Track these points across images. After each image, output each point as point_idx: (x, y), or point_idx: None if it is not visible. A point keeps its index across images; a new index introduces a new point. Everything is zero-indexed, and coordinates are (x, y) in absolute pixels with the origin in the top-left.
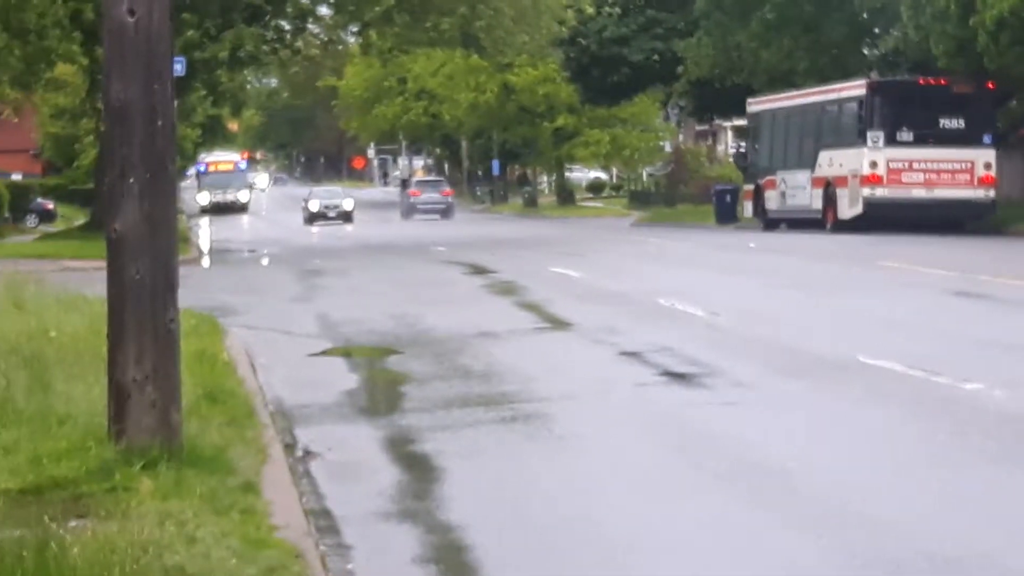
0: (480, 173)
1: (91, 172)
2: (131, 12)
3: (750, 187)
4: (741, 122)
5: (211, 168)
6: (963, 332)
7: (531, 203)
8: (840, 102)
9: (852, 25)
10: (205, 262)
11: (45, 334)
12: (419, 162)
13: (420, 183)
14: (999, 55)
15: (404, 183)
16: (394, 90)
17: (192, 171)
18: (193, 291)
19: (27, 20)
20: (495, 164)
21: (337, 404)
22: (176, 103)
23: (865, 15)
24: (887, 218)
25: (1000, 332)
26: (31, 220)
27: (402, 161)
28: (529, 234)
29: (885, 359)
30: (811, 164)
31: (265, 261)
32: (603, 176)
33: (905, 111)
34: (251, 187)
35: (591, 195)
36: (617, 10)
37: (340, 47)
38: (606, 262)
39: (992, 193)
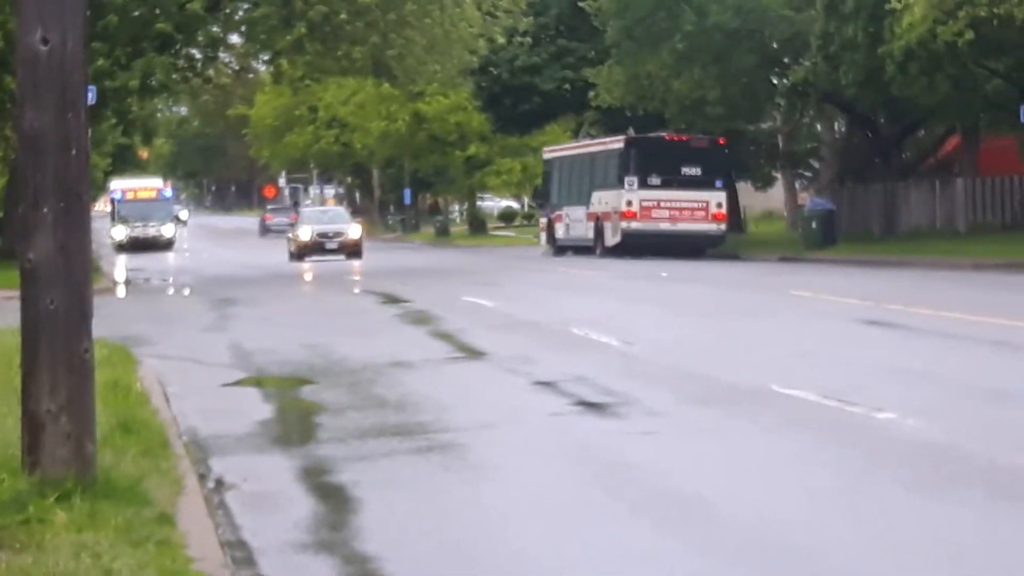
0: (392, 202)
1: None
2: (44, 41)
3: (544, 220)
4: None
5: (129, 196)
6: (875, 360)
7: (443, 232)
8: (607, 153)
9: (762, 55)
10: (119, 292)
11: None
12: (330, 190)
13: (272, 210)
14: (907, 84)
15: None
16: (305, 118)
17: (102, 201)
18: (105, 321)
19: None
20: (407, 193)
21: (251, 434)
22: (87, 133)
23: (775, 45)
24: (641, 246)
25: (911, 361)
26: None
27: (313, 190)
28: (441, 263)
29: (798, 388)
30: (586, 202)
31: (186, 291)
32: (515, 205)
33: (655, 161)
34: (176, 220)
35: (503, 224)
36: (528, 40)
37: (251, 75)
38: (519, 291)
39: (723, 227)
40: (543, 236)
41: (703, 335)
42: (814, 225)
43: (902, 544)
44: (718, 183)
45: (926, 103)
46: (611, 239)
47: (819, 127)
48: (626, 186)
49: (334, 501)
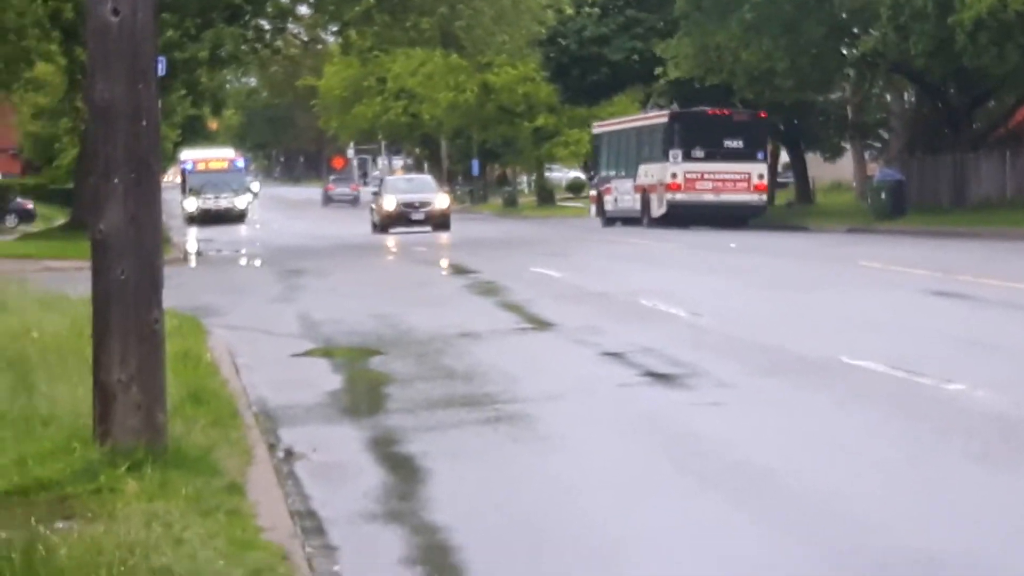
0: (460, 173)
1: (71, 172)
2: (115, 12)
3: (594, 192)
4: None
5: (200, 167)
6: (944, 332)
7: (511, 203)
8: (652, 127)
9: (831, 25)
10: (189, 262)
11: (27, 335)
12: (399, 162)
13: (335, 180)
14: (977, 55)
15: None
16: (373, 89)
17: (172, 173)
18: (175, 291)
19: (6, 20)
20: (475, 164)
21: (320, 405)
22: (159, 103)
23: (844, 15)
24: (685, 216)
25: (981, 332)
26: (10, 220)
27: (382, 161)
28: (509, 234)
29: (867, 359)
30: (633, 175)
31: (255, 262)
32: (582, 176)
33: (698, 135)
34: (250, 191)
35: (571, 195)
36: (597, 10)
37: (320, 47)
38: (587, 262)
39: (764, 197)
40: (593, 208)
41: (771, 306)
42: (883, 196)
43: (970, 516)
44: (759, 155)
45: (996, 73)
46: (657, 210)
47: (888, 98)
48: (671, 159)
49: (403, 472)
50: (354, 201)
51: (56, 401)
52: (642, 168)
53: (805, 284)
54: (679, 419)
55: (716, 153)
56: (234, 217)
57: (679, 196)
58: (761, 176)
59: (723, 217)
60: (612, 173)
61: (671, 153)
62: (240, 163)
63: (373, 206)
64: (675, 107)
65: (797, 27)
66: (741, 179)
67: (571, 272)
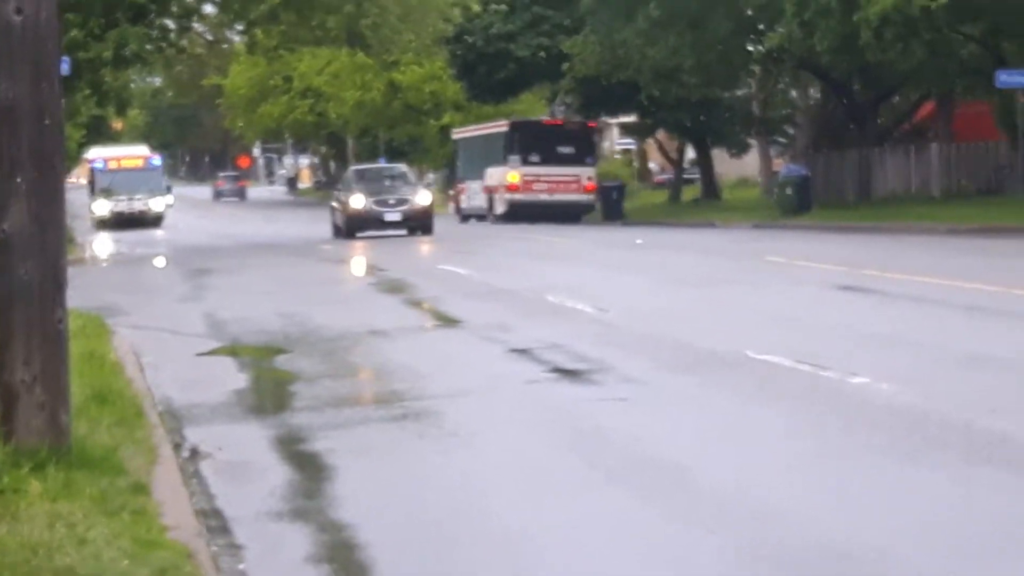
0: None
1: None
2: (18, 11)
3: (452, 192)
4: (629, 119)
5: (112, 166)
6: (849, 326)
7: None
8: (496, 135)
9: (737, 22)
10: (93, 262)
11: None
12: (305, 160)
13: (224, 177)
14: (882, 51)
15: (291, 182)
16: (279, 88)
17: (78, 173)
18: (80, 291)
19: None
20: (382, 162)
21: (226, 403)
22: (62, 102)
23: (750, 12)
24: (524, 214)
25: (885, 326)
26: None
27: (288, 160)
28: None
29: (773, 354)
30: (482, 177)
31: (161, 262)
32: None
33: (534, 142)
34: (168, 191)
35: None
36: (504, 7)
37: (225, 46)
38: (494, 259)
39: (592, 197)
40: (451, 206)
41: (678, 302)
42: (789, 191)
43: (876, 508)
44: (588, 160)
45: (901, 69)
46: (500, 208)
47: (794, 93)
48: (510, 163)
49: (309, 469)
50: (242, 196)
51: None
52: (488, 171)
53: (711, 280)
54: (587, 415)
55: (550, 158)
56: (150, 221)
57: (518, 196)
58: (590, 178)
59: (558, 215)
60: (466, 175)
61: (510, 158)
62: (156, 161)
63: (335, 204)
64: (514, 117)
65: (703, 24)
66: (573, 181)
67: (478, 269)
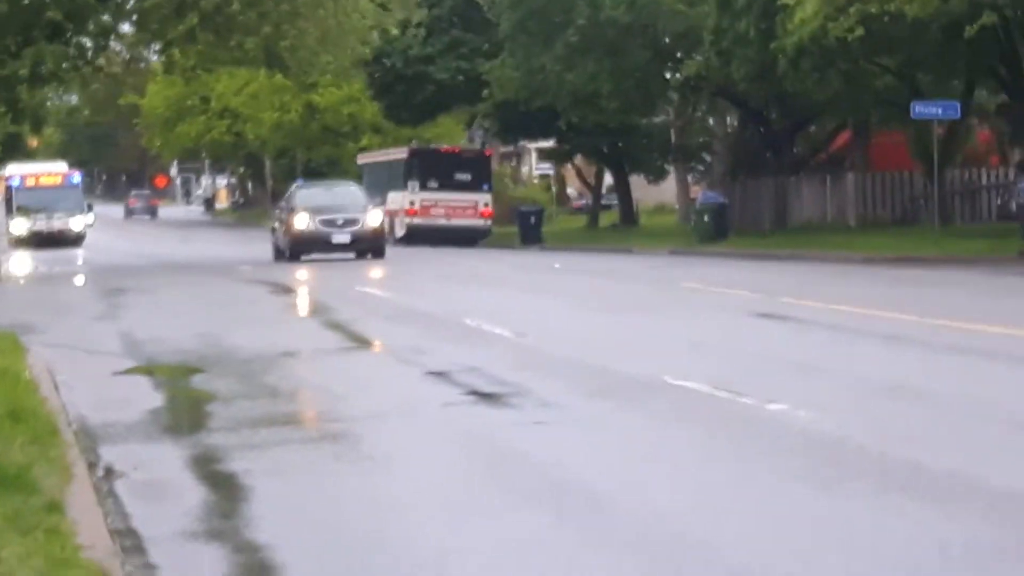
0: (284, 192)
1: None
2: None
3: None
4: (547, 143)
5: (30, 183)
6: (766, 353)
7: None
8: (396, 162)
9: (655, 49)
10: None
11: None
12: (222, 180)
13: (135, 195)
14: (799, 80)
15: (208, 202)
16: (197, 108)
17: None
18: None
19: None
20: (299, 182)
21: (142, 423)
22: None
23: (667, 39)
24: (423, 237)
25: (801, 353)
26: None
27: (205, 180)
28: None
29: (691, 380)
30: (384, 201)
31: (77, 280)
32: None
33: (433, 168)
34: (88, 209)
35: None
36: (423, 30)
37: (143, 64)
38: (412, 282)
39: (489, 222)
40: None
41: (595, 326)
42: (706, 219)
43: (792, 535)
44: (484, 187)
45: (817, 98)
46: (399, 232)
47: (711, 121)
48: (409, 189)
49: (225, 490)
50: (153, 214)
51: None
52: (390, 196)
53: (629, 305)
54: (504, 438)
55: (448, 184)
56: (70, 240)
57: (416, 220)
58: (486, 204)
59: (455, 239)
60: (371, 198)
61: (409, 184)
62: (76, 179)
63: (276, 225)
64: (414, 144)
65: (621, 50)
66: (469, 206)
67: (396, 292)
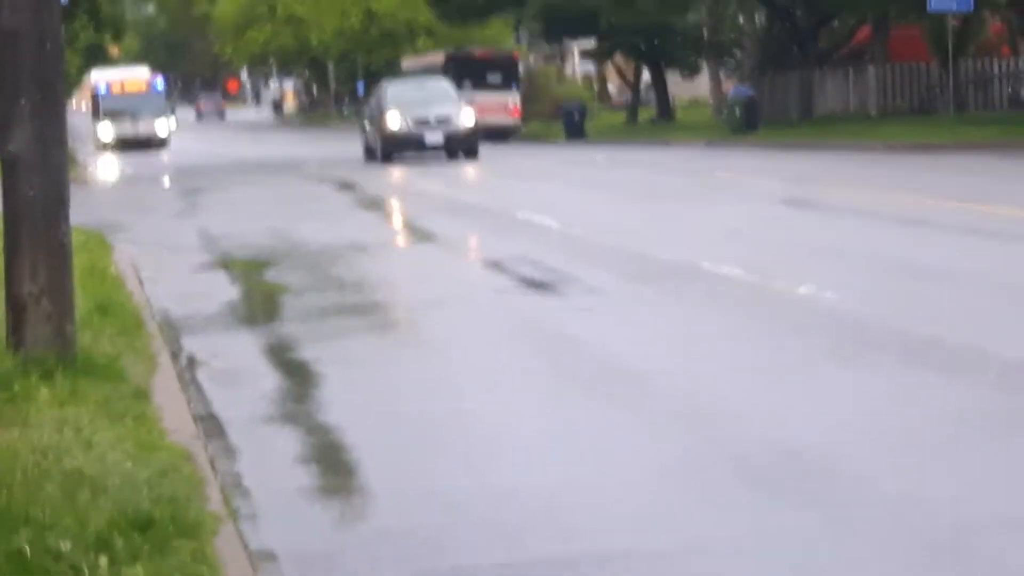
0: (346, 94)
1: None
2: None
3: None
4: (588, 44)
5: (115, 89)
6: (795, 238)
7: None
8: (435, 65)
9: None
10: (94, 181)
11: None
12: (289, 84)
13: (204, 98)
14: None
15: (276, 105)
16: (264, 16)
17: (79, 98)
18: (81, 209)
19: None
20: (360, 85)
21: (219, 314)
22: (61, 28)
23: None
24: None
25: (826, 238)
26: None
27: (273, 83)
28: None
29: (725, 265)
30: None
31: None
32: None
33: (467, 71)
34: (172, 114)
35: None
36: None
37: None
38: (465, 177)
39: (518, 120)
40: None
41: (636, 216)
42: (737, 112)
43: (822, 408)
44: (513, 86)
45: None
46: None
47: (741, 19)
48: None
49: (297, 376)
50: (221, 116)
51: None
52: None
53: (667, 195)
54: (552, 323)
55: (480, 85)
56: (155, 144)
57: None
58: (515, 103)
59: (488, 135)
60: (370, 108)
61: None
62: (159, 84)
63: (366, 124)
64: (450, 50)
65: None
66: (500, 106)
67: (451, 187)
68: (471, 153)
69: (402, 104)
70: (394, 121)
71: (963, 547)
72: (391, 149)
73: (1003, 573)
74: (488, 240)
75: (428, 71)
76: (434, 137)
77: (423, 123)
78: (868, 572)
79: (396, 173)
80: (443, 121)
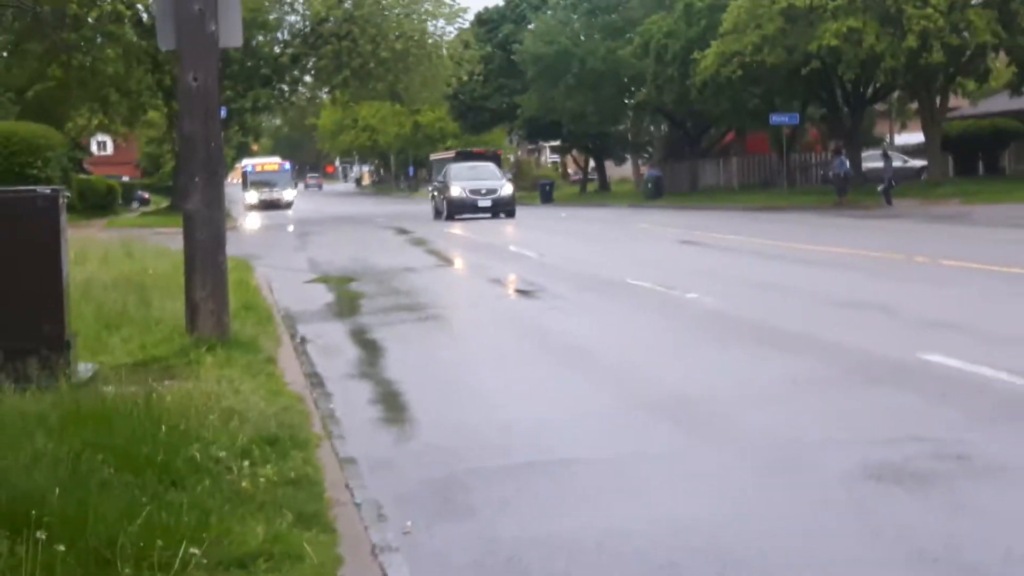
0: (402, 175)
1: (171, 175)
2: (195, 79)
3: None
4: (555, 143)
5: (258, 169)
6: (686, 264)
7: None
8: (448, 158)
9: (619, 86)
10: (241, 230)
11: (146, 272)
12: (366, 168)
13: (309, 176)
14: (703, 102)
15: (357, 181)
16: (351, 125)
17: (233, 175)
18: (233, 245)
19: (131, 85)
20: (411, 169)
21: (321, 311)
22: (221, 134)
23: (626, 79)
24: (465, 210)
25: (707, 264)
26: (134, 204)
27: (356, 167)
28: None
29: (642, 281)
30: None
31: (289, 228)
32: None
33: (469, 161)
34: (296, 187)
35: None
36: (481, 77)
37: (318, 100)
38: (479, 226)
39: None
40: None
41: (586, 251)
42: (650, 186)
43: (709, 371)
44: (499, 174)
45: (715, 113)
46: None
47: (652, 128)
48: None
49: (370, 350)
50: (319, 188)
51: (164, 310)
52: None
53: (606, 238)
54: (533, 317)
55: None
56: (283, 205)
57: (459, 196)
58: (502, 186)
59: (488, 210)
60: (437, 182)
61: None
62: (287, 166)
63: (435, 194)
64: (457, 148)
65: (599, 86)
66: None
67: (470, 232)
68: (510, 214)
69: (461, 179)
70: (456, 191)
71: (793, 457)
72: (454, 211)
73: (822, 474)
74: (492, 265)
75: (445, 161)
76: (485, 203)
77: (476, 192)
78: (732, 470)
79: (438, 225)
80: (491, 191)
